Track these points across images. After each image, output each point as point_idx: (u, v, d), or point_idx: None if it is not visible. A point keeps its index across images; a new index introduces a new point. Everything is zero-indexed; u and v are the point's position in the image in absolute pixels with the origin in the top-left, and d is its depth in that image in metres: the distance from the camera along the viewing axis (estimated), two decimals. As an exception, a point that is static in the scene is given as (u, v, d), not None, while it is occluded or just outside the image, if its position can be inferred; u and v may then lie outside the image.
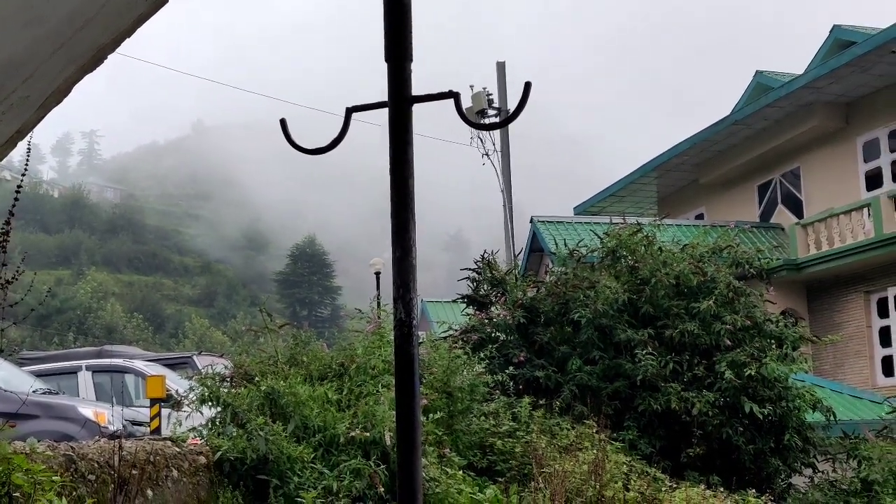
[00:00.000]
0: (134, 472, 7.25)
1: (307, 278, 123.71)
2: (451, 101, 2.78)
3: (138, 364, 17.02)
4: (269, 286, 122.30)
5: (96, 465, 7.06)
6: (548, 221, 27.72)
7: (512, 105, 26.85)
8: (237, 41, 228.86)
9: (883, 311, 24.76)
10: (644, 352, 13.91)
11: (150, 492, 7.59)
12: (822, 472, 14.61)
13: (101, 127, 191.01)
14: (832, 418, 14.76)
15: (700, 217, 31.75)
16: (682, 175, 32.00)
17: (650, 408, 13.67)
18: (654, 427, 13.85)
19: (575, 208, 35.06)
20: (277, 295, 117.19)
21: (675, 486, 11.28)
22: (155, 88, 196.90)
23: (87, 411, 11.65)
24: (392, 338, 9.63)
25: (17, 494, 5.47)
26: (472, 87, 27.32)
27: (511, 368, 14.34)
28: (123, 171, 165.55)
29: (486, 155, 28.05)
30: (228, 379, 10.74)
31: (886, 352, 24.65)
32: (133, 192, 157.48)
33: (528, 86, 2.70)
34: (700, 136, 29.36)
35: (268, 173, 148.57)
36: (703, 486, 11.03)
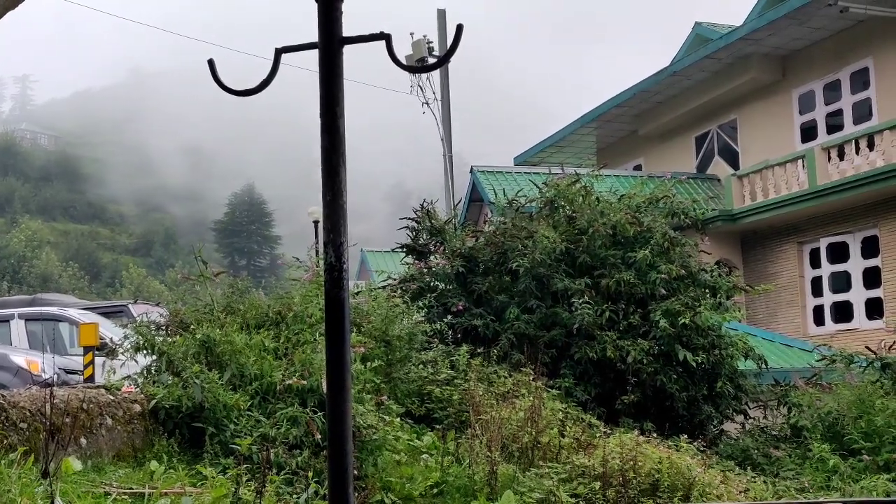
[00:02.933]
0: (67, 420, 7.18)
1: (246, 227, 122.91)
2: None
3: (72, 312, 16.80)
4: (208, 235, 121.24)
5: (28, 413, 6.98)
6: (488, 171, 27.73)
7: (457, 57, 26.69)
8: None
9: (815, 262, 25.23)
10: (581, 301, 14.02)
11: (83, 440, 7.53)
12: (754, 419, 14.92)
13: (34, 72, 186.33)
14: (764, 366, 15.05)
15: (638, 168, 31.99)
16: (621, 126, 32.17)
17: (586, 356, 13.80)
18: (590, 375, 14.00)
19: (515, 158, 35.12)
20: (216, 244, 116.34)
21: (609, 432, 11.44)
22: (87, 33, 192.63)
23: (20, 359, 11.52)
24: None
25: (-55, 443, 5.39)
26: (412, 34, 27.13)
27: (449, 317, 14.39)
28: (58, 117, 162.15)
29: (426, 103, 27.92)
30: (164, 327, 10.66)
31: (818, 301, 25.16)
32: (68, 138, 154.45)
33: (459, 28, 2.68)
34: (639, 87, 29.49)
35: (206, 121, 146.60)
36: (636, 433, 11.19)
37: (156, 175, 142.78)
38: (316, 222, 30.24)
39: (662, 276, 14.36)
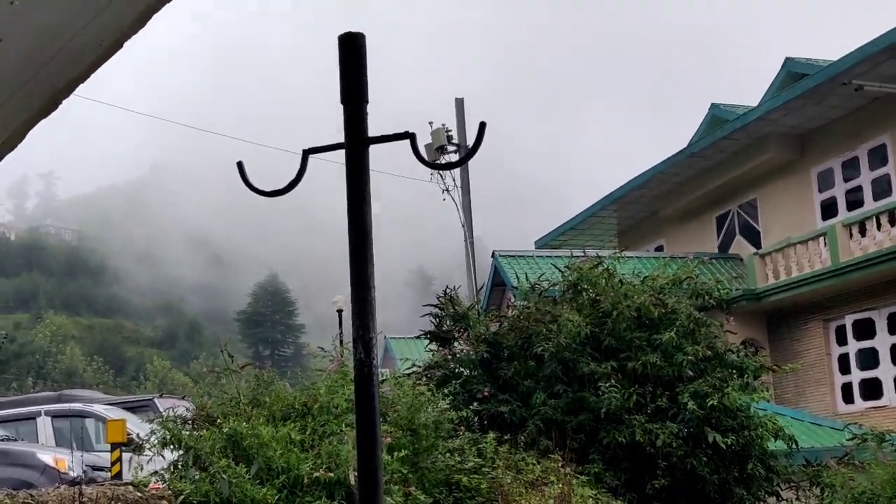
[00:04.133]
0: (95, 518, 7.15)
1: (270, 317, 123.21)
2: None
3: (98, 408, 16.81)
4: (232, 326, 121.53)
5: (56, 512, 6.96)
6: (509, 256, 27.81)
7: (471, 140, 26.97)
8: (193, 80, 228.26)
9: (841, 339, 25.02)
10: (607, 384, 13.92)
11: (111, 538, 7.49)
12: (786, 500, 14.67)
13: (57, 168, 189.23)
14: (794, 446, 14.84)
15: (660, 249, 32.00)
16: (641, 208, 32.28)
17: (615, 440, 13.66)
18: (620, 459, 13.84)
19: (536, 242, 35.22)
20: (240, 335, 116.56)
21: (641, 518, 11.29)
22: (112, 129, 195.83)
23: (47, 457, 11.50)
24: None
25: (-25, 545, 5.38)
26: (430, 123, 27.43)
27: (475, 404, 14.30)
28: (81, 213, 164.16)
29: (447, 191, 28.13)
30: (190, 421, 10.63)
31: (846, 379, 24.89)
32: (91, 233, 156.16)
33: (482, 126, 2.73)
34: (657, 169, 29.66)
35: (226, 211, 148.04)
36: (668, 518, 11.04)
37: (178, 267, 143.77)
38: (340, 311, 30.32)
39: (689, 357, 14.27)
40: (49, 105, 3.23)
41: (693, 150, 28.42)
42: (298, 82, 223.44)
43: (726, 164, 28.33)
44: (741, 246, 29.29)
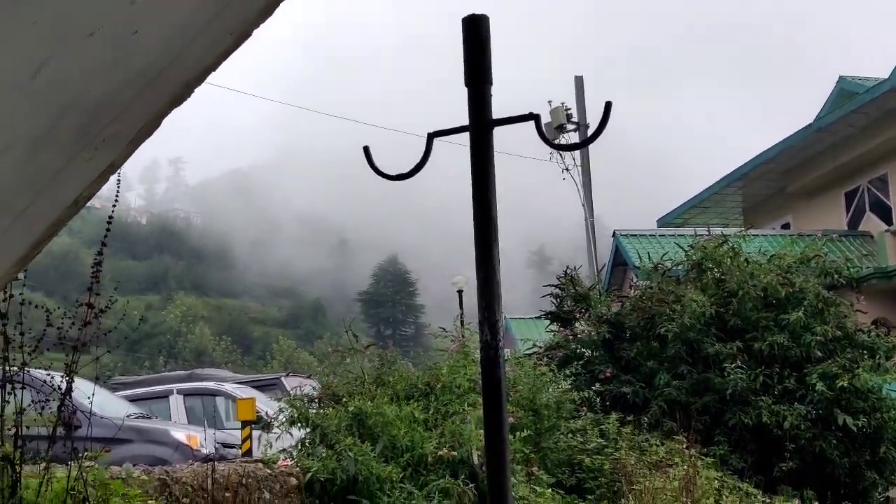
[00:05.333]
0: (227, 494, 7.36)
1: (391, 297, 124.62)
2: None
3: (228, 387, 17.26)
4: (354, 307, 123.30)
5: (190, 488, 7.19)
6: (631, 235, 27.50)
7: (591, 118, 26.74)
8: (317, 68, 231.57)
9: (980, 318, 24.03)
10: (733, 365, 13.71)
11: (243, 514, 7.71)
12: (922, 486, 14.22)
13: (185, 154, 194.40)
14: (930, 429, 14.36)
15: (786, 226, 31.19)
16: (767, 184, 31.49)
17: (741, 422, 13.46)
18: (746, 441, 13.63)
19: (658, 221, 34.71)
20: (362, 315, 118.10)
21: (768, 501, 11.09)
22: (237, 114, 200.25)
23: (180, 435, 11.85)
24: (476, 356, 9.68)
25: (115, 518, 5.60)
26: (549, 102, 27.27)
27: (597, 385, 14.23)
28: (208, 197, 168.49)
29: (567, 170, 27.94)
30: (316, 400, 10.85)
31: None
32: (218, 217, 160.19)
33: (608, 105, 2.71)
34: (784, 145, 28.89)
35: (348, 195, 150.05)
36: (797, 502, 10.81)
37: (302, 249, 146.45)
38: (460, 291, 30.46)
39: (817, 337, 13.94)
40: (181, 94, 3.32)
41: (820, 124, 27.59)
42: (422, 66, 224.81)
43: (855, 139, 27.42)
44: (871, 222, 28.35)
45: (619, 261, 27.77)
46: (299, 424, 10.03)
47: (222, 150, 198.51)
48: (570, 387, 13.01)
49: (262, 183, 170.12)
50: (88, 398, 6.27)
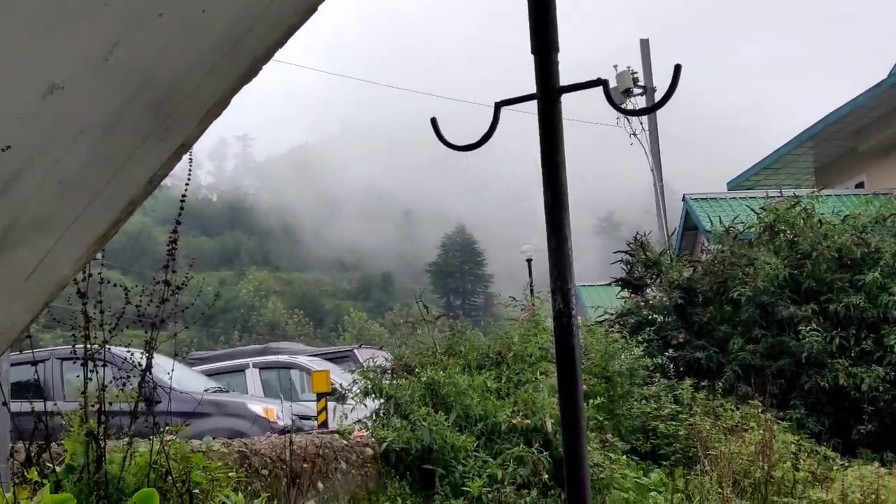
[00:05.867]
0: (305, 465, 7.47)
1: (459, 268, 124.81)
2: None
3: (302, 360, 17.45)
4: (423, 278, 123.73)
5: (269, 460, 7.31)
6: (701, 199, 27.14)
7: (658, 82, 26.40)
8: (381, 40, 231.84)
9: None
10: (808, 328, 13.52)
11: (320, 484, 7.81)
12: None
13: (252, 131, 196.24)
14: None
15: (860, 186, 30.53)
16: (839, 143, 30.82)
17: (817, 385, 13.29)
18: (822, 405, 13.46)
19: (728, 184, 34.20)
20: (431, 286, 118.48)
21: (846, 464, 10.95)
22: (303, 90, 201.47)
23: (257, 408, 12.02)
24: (547, 325, 9.66)
25: (197, 491, 5.71)
26: (615, 66, 26.96)
27: (670, 350, 14.15)
28: (276, 173, 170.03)
29: (634, 135, 27.64)
30: (389, 371, 10.94)
31: None
32: (286, 192, 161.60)
33: (677, 68, 2.67)
34: (857, 102, 28.23)
35: (413, 167, 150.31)
36: (877, 464, 10.64)
37: (370, 222, 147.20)
38: (529, 260, 30.39)
39: (895, 298, 13.68)
40: (249, 72, 3.34)
41: (894, 80, 26.90)
42: (487, 34, 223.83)
43: (932, 94, 26.72)
44: (950, 179, 27.66)
45: (690, 225, 27.45)
46: (373, 395, 10.13)
47: (287, 126, 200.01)
48: (642, 353, 12.96)
49: (326, 157, 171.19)
50: (168, 374, 6.39)
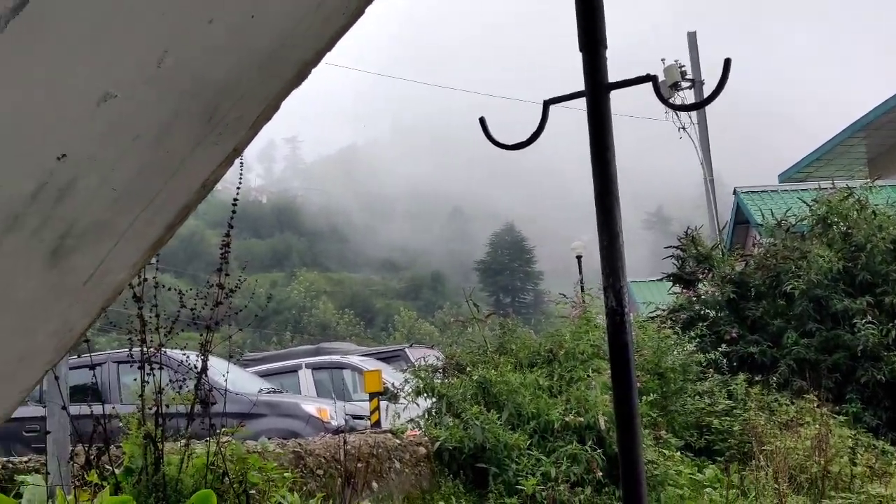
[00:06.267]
0: (359, 465, 7.51)
1: (508, 265, 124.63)
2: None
3: (354, 359, 17.54)
4: (472, 276, 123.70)
5: (323, 460, 7.36)
6: (752, 192, 26.88)
7: (706, 75, 26.15)
8: (424, 42, 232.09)
9: None
10: (863, 321, 13.35)
11: (374, 484, 7.85)
12: None
13: (301, 132, 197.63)
14: None
15: (916, 176, 30.05)
16: (892, 133, 30.36)
17: (873, 378, 13.11)
18: (879, 398, 13.28)
19: (779, 176, 33.81)
20: (481, 284, 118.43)
21: (906, 458, 10.81)
22: (350, 91, 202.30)
23: (311, 408, 12.09)
24: (599, 321, 9.62)
25: (253, 492, 5.77)
26: (663, 60, 26.73)
27: (723, 346, 14.03)
28: (324, 174, 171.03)
29: (683, 128, 27.40)
30: (441, 370, 10.96)
31: None
32: (334, 193, 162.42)
33: (727, 63, 2.65)
34: (910, 90, 27.79)
35: (459, 166, 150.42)
36: (937, 459, 10.50)
37: (419, 221, 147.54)
38: (579, 257, 30.26)
39: (953, 289, 13.48)
40: (299, 75, 3.36)
41: (949, 67, 26.43)
42: (535, 33, 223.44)
43: None
44: None
45: (741, 219, 27.20)
46: (425, 394, 10.16)
47: (335, 128, 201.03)
48: (695, 349, 12.86)
49: (374, 157, 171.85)
50: (223, 376, 6.45)
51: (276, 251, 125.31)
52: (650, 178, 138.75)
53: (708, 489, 9.86)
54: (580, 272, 28.51)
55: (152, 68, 2.79)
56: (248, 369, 16.05)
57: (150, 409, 5.44)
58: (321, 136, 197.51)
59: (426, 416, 10.02)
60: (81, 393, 6.78)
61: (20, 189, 2.86)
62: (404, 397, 10.37)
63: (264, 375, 15.87)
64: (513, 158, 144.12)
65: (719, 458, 10.87)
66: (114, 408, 5.84)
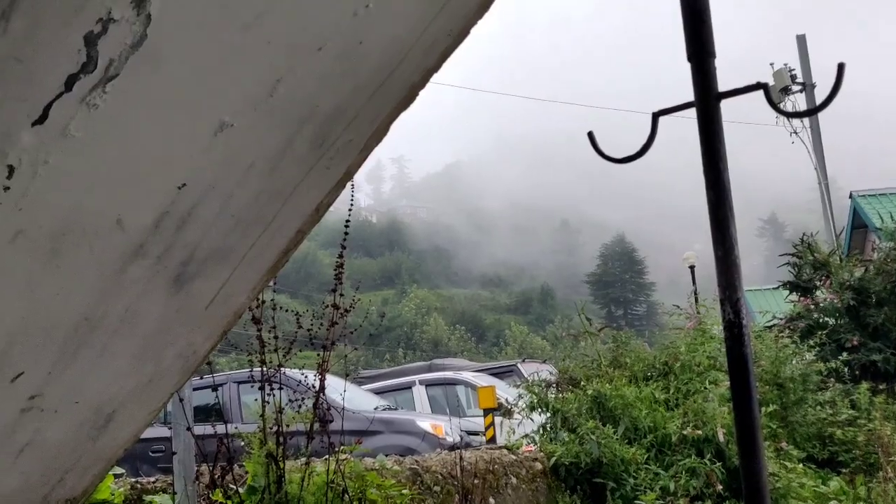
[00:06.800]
0: (475, 481, 7.52)
1: (619, 277, 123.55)
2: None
3: (467, 375, 17.60)
4: (581, 288, 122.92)
5: (440, 476, 7.39)
6: (869, 195, 26.13)
7: (818, 79, 25.55)
8: (526, 56, 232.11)
9: None
10: None
11: (491, 500, 7.85)
12: None
13: (407, 152, 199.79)
14: None
15: None
16: None
17: None
18: None
19: (898, 177, 32.79)
20: (591, 296, 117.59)
21: None
22: (454, 108, 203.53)
23: (426, 424, 12.16)
24: (714, 333, 9.45)
25: (373, 509, 5.83)
26: (771, 64, 26.24)
27: (844, 354, 13.65)
28: (431, 191, 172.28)
29: (795, 133, 26.82)
30: (554, 385, 10.91)
31: None
32: (441, 209, 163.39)
33: (841, 67, 2.60)
34: None
35: (564, 179, 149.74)
36: None
37: (525, 235, 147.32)
38: (692, 267, 29.83)
39: None
40: (408, 97, 3.41)
41: None
42: (639, 45, 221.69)
43: None
44: None
45: (859, 223, 26.46)
46: (539, 409, 10.12)
47: (440, 145, 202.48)
48: (814, 358, 12.55)
49: (478, 173, 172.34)
50: (340, 394, 6.54)
51: (386, 269, 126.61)
52: (762, 183, 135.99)
53: (833, 502, 9.59)
54: (693, 283, 28.09)
55: (265, 97, 2.88)
56: (363, 387, 16.24)
57: (271, 428, 5.55)
58: (427, 154, 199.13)
59: (541, 431, 9.98)
60: (204, 413, 6.96)
61: (144, 219, 2.96)
62: (518, 413, 10.35)
63: (379, 393, 16.04)
64: (617, 169, 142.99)
65: (843, 470, 10.57)
66: (236, 427, 5.97)
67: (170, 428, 5.32)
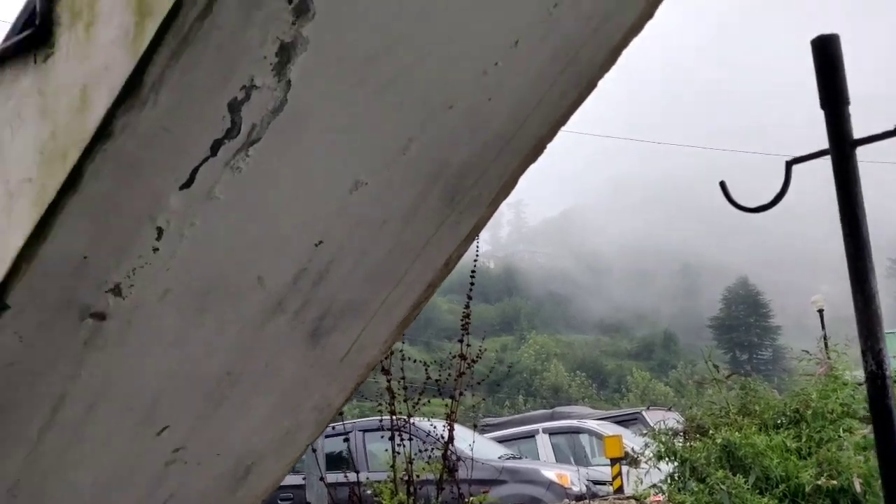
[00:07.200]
0: (604, 531, 7.44)
1: (744, 321, 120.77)
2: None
3: (592, 424, 17.40)
4: (704, 333, 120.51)
5: (567, 526, 7.33)
6: None
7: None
8: (642, 97, 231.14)
9: None
10: None
11: (620, 550, 7.75)
12: None
13: (525, 197, 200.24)
14: None
15: None
16: None
17: None
18: None
19: None
20: (715, 341, 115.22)
21: None
22: (569, 152, 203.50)
23: (551, 474, 12.06)
24: (847, 379, 9.17)
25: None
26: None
27: None
28: (549, 235, 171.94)
29: (925, 170, 25.95)
30: (681, 433, 10.71)
31: None
32: (559, 254, 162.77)
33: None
34: None
35: (683, 223, 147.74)
36: None
37: (645, 280, 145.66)
38: (821, 311, 29.04)
39: None
40: (535, 151, 3.45)
41: None
42: (760, 91, 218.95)
43: None
44: None
45: None
46: (667, 459, 9.94)
47: (556, 188, 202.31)
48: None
49: (596, 217, 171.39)
50: (469, 445, 6.55)
51: (505, 314, 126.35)
52: (889, 221, 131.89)
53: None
54: (823, 328, 27.30)
55: (399, 155, 2.95)
56: (485, 435, 16.19)
57: (402, 477, 5.60)
58: (543, 198, 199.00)
59: (669, 480, 9.79)
60: (331, 461, 7.04)
61: (283, 276, 3.06)
62: (645, 462, 10.19)
63: (502, 441, 15.96)
64: (737, 212, 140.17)
65: None
66: (367, 476, 6.03)
67: (304, 478, 5.42)
